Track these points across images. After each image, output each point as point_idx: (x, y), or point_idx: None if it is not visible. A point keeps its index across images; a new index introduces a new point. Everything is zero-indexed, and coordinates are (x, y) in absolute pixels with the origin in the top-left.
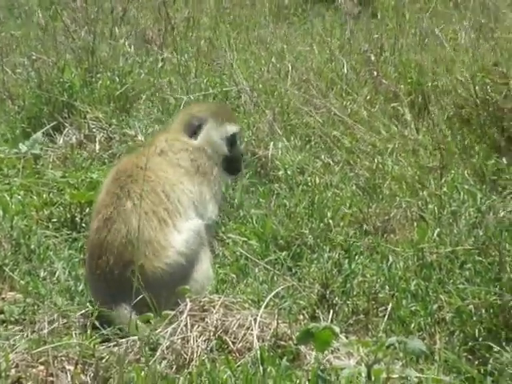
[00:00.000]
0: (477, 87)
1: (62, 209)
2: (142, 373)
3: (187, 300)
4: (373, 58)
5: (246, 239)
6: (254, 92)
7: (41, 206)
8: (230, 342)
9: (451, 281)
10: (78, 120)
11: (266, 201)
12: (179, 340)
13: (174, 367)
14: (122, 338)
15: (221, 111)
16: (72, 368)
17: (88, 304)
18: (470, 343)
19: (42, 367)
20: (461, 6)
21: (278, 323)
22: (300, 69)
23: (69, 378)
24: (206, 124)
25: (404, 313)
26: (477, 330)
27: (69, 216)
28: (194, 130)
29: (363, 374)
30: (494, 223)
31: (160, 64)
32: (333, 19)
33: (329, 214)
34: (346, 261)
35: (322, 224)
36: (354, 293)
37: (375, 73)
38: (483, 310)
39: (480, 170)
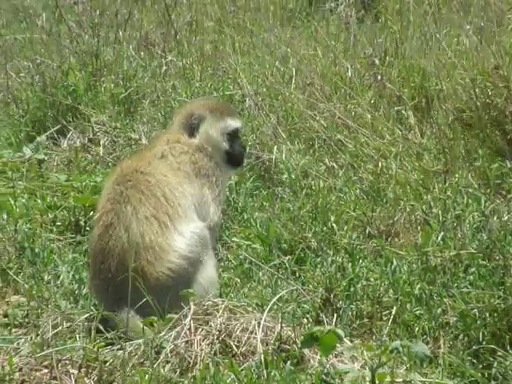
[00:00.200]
0: (477, 90)
1: (66, 212)
2: (146, 376)
3: (191, 303)
4: (377, 61)
5: (249, 243)
6: (258, 96)
7: (45, 209)
8: (234, 346)
9: (455, 285)
10: (82, 123)
11: (269, 204)
12: (183, 343)
13: (178, 371)
14: (125, 341)
15: (219, 107)
16: (76, 371)
17: (92, 308)
18: (474, 347)
19: (45, 370)
20: (464, 9)
21: (281, 327)
22: (304, 72)
23: (73, 382)
24: (205, 121)
25: (408, 317)
26: (481, 334)
27: (73, 219)
28: (192, 129)
29: (367, 378)
30: (498, 227)
31: (164, 68)
32: (337, 23)
33: (332, 218)
34: (350, 264)
35: (325, 228)
36: (358, 297)
37: (379, 77)
38: (487, 314)
39: (484, 174)
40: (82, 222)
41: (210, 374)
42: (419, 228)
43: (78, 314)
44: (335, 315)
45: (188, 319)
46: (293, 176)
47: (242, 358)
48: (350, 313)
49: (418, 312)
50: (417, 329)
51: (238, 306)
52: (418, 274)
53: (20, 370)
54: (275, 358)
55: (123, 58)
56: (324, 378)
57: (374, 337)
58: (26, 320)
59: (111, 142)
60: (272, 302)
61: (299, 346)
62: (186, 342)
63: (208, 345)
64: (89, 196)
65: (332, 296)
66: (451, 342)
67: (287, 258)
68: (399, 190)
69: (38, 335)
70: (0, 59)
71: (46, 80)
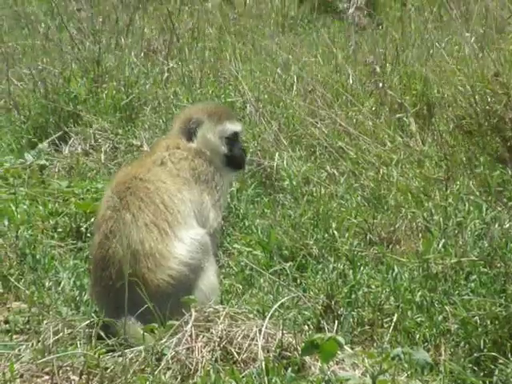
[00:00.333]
0: (477, 97)
1: (67, 219)
2: (147, 383)
3: (192, 310)
4: (378, 69)
5: (251, 249)
6: (259, 103)
7: (46, 215)
8: (235, 353)
9: (456, 292)
10: (83, 130)
11: (271, 211)
12: (184, 350)
13: (179, 377)
14: (126, 348)
15: (218, 111)
16: (77, 378)
17: (93, 314)
18: (475, 354)
19: (46, 377)
20: (465, 17)
21: (282, 334)
22: (305, 80)
23: None
24: (203, 125)
25: (409, 324)
26: (482, 342)
27: (74, 226)
28: (190, 133)
29: None
30: (500, 234)
31: (165, 74)
32: (338, 30)
33: (334, 225)
34: (351, 271)
35: (326, 235)
36: (359, 304)
37: (380, 84)
38: (488, 322)
39: (485, 181)
40: (83, 229)
41: (210, 380)
42: (420, 235)
43: (79, 320)
44: (336, 322)
45: (189, 326)
46: (294, 183)
47: (243, 365)
48: (351, 320)
49: (419, 319)
50: (418, 336)
51: (239, 313)
52: (419, 281)
53: (21, 376)
54: (276, 364)
55: (125, 64)
56: None
57: (375, 344)
58: (27, 326)
59: (113, 148)
60: (273, 309)
61: (300, 352)
62: (187, 348)
63: (209, 352)
64: (90, 202)
65: (333, 303)
66: (452, 350)
67: (288, 264)
68: (400, 197)
69: (39, 342)
70: (2, 66)
71: (48, 86)
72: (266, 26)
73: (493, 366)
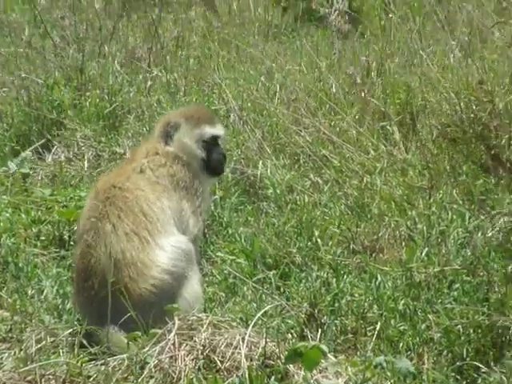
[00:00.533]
0: (462, 105)
1: (50, 227)
2: None
3: (175, 318)
4: (358, 80)
5: (234, 258)
6: (242, 111)
7: (29, 223)
8: (218, 361)
9: (439, 300)
10: (66, 138)
11: (254, 219)
12: (167, 359)
13: None
14: (109, 356)
15: (196, 114)
16: None
17: (76, 322)
18: (458, 363)
19: None
20: (449, 25)
21: (266, 342)
22: (289, 88)
23: None
24: (180, 128)
25: (392, 332)
26: (465, 350)
27: (57, 234)
28: (167, 137)
29: None
30: (483, 243)
31: (149, 82)
32: (322, 38)
33: (317, 233)
34: (335, 280)
35: (310, 243)
36: (343, 312)
37: (363, 94)
38: (471, 330)
39: (468, 190)
40: (66, 237)
41: None
42: (404, 244)
43: (62, 328)
44: (319, 330)
45: (172, 334)
46: (278, 191)
47: (226, 374)
48: (334, 328)
49: (402, 328)
50: (401, 344)
51: (223, 321)
52: (402, 289)
53: None
54: (259, 373)
55: (108, 72)
56: None
57: (358, 352)
58: (10, 335)
59: (96, 156)
60: (256, 317)
61: (283, 361)
62: (170, 357)
63: (192, 360)
64: (73, 210)
65: (316, 311)
66: (435, 358)
67: (272, 272)
68: (384, 205)
69: (21, 350)
70: None
71: (31, 94)
72: (250, 34)
73: (475, 375)
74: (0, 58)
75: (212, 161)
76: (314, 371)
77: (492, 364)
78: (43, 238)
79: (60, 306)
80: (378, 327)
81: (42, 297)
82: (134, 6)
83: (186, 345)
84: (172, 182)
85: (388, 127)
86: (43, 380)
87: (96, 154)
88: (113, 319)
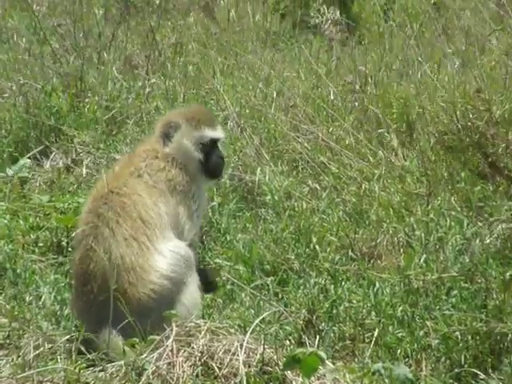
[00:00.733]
0: (459, 113)
1: (48, 233)
2: None
3: (173, 325)
4: (357, 87)
5: (232, 264)
6: (240, 117)
7: (27, 230)
8: (216, 368)
9: (437, 307)
10: (65, 144)
11: (252, 226)
12: (165, 365)
13: None
14: (107, 362)
15: (198, 115)
16: None
17: (73, 329)
18: (456, 370)
19: None
20: (446, 33)
21: (264, 349)
22: (287, 94)
23: None
24: (179, 129)
25: (390, 339)
26: (463, 357)
27: (55, 240)
28: (167, 137)
29: None
30: (480, 250)
31: (148, 89)
32: (320, 45)
33: (315, 240)
34: (333, 286)
35: (308, 249)
36: (341, 319)
37: (360, 103)
38: (469, 337)
39: (466, 197)
40: (64, 243)
41: None
42: (402, 250)
43: (60, 335)
44: (317, 337)
45: (170, 340)
46: (276, 197)
47: (224, 380)
48: (332, 335)
49: (400, 334)
50: (399, 351)
51: (221, 328)
52: (400, 296)
53: None
54: (257, 379)
55: (107, 79)
56: None
57: (356, 359)
58: (8, 341)
59: (94, 162)
60: (254, 324)
61: (281, 367)
62: (168, 363)
63: (190, 366)
64: (71, 217)
65: (314, 318)
66: (433, 365)
67: (270, 279)
68: (382, 212)
69: (19, 356)
70: None
71: (29, 101)
72: (249, 41)
73: (474, 382)
74: None
75: (210, 163)
76: (312, 378)
77: (490, 371)
78: (41, 244)
79: (58, 313)
80: (375, 334)
81: (40, 303)
82: (132, 13)
83: (184, 351)
84: (169, 186)
85: (386, 134)
86: None
87: (94, 160)
88: (112, 324)
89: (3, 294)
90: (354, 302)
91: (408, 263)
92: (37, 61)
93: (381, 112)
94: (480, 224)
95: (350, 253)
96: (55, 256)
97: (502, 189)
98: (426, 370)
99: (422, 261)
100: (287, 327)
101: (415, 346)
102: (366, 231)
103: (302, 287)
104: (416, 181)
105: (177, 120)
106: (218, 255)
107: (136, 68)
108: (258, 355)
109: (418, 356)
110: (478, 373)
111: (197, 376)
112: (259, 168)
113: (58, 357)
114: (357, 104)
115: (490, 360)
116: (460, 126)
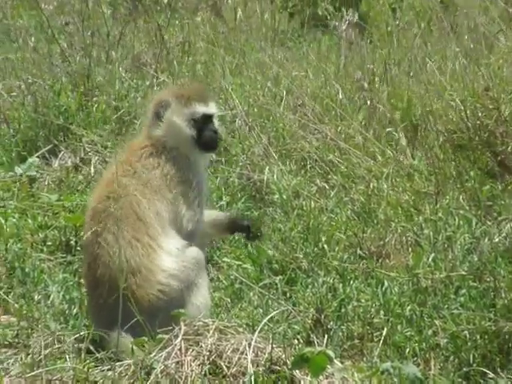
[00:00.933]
0: (468, 112)
1: (56, 232)
2: None
3: (181, 324)
4: (366, 85)
5: (240, 263)
6: (249, 116)
7: (36, 229)
8: (225, 367)
9: (446, 306)
10: (73, 143)
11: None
12: (173, 364)
13: None
14: (115, 361)
15: (188, 92)
16: None
17: (82, 327)
18: (464, 369)
19: None
20: (454, 31)
21: (272, 348)
22: (295, 93)
23: None
24: (170, 107)
25: (399, 338)
26: (471, 356)
27: (63, 239)
28: (157, 117)
29: None
30: (489, 249)
31: (156, 88)
32: (329, 44)
33: (324, 239)
34: (341, 285)
35: (316, 248)
36: (349, 318)
37: (368, 101)
38: (478, 336)
39: (475, 196)
40: (72, 242)
41: None
42: (410, 249)
43: (69, 334)
44: (326, 336)
45: (178, 340)
46: (284, 196)
47: (232, 379)
48: (340, 334)
49: (408, 333)
50: (407, 350)
51: (229, 327)
52: (408, 295)
53: None
54: (266, 378)
55: (115, 78)
56: None
57: (364, 358)
58: (16, 340)
59: (102, 161)
60: (263, 323)
61: (290, 366)
62: (177, 362)
63: (198, 365)
64: (80, 216)
65: (323, 317)
66: (442, 364)
67: (278, 278)
68: (390, 211)
69: (28, 355)
70: None
71: (38, 100)
72: (257, 39)
73: (482, 381)
74: (7, 63)
75: (203, 138)
76: (321, 377)
77: (499, 370)
78: (50, 243)
79: (66, 312)
80: (384, 333)
81: (49, 302)
82: (140, 12)
83: (193, 350)
84: (165, 180)
85: (394, 133)
86: None
87: (103, 159)
88: (122, 325)
89: (12, 293)
90: (363, 300)
91: (416, 262)
92: (45, 60)
93: (389, 111)
94: (489, 223)
95: (359, 252)
96: (64, 255)
97: (510, 187)
98: (435, 369)
99: (430, 260)
100: (295, 326)
101: (424, 345)
102: (375, 230)
103: (310, 286)
104: (424, 179)
105: (166, 98)
106: (226, 254)
107: (144, 67)
108: (267, 354)
109: (427, 355)
110: (487, 372)
111: (205, 375)
112: (267, 167)
113: (67, 356)
114: (367, 102)
115: (498, 359)
116: (469, 125)
